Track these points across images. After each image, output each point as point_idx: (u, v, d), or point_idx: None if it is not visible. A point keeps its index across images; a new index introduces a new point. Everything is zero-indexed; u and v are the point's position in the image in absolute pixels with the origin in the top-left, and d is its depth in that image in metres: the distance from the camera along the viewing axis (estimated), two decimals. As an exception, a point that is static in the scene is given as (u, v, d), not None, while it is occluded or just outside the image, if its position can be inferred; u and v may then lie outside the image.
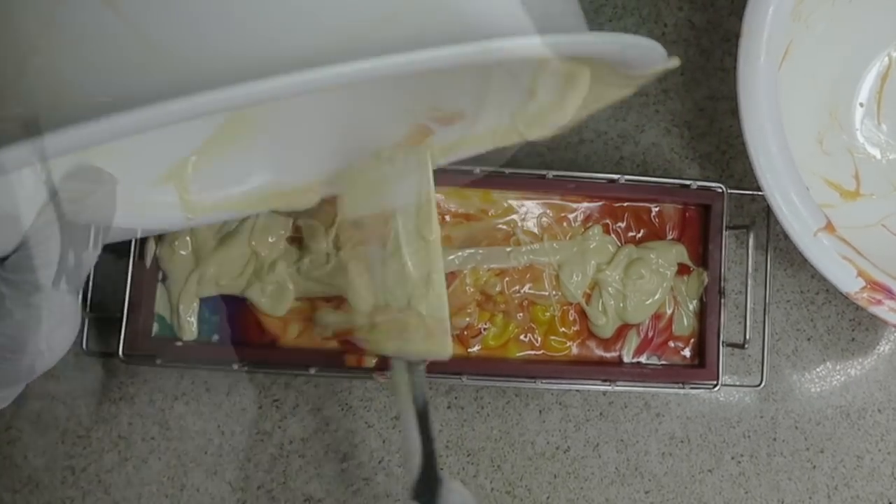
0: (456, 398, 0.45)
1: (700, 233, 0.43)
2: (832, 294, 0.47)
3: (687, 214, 0.43)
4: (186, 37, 0.22)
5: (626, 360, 0.43)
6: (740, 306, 0.45)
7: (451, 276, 0.41)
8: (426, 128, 0.36)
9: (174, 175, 0.34)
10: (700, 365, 0.42)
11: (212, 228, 0.41)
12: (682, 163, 0.47)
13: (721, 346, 0.42)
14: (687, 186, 0.42)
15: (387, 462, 0.45)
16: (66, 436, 0.44)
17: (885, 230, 0.44)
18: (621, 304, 0.42)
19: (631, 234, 0.43)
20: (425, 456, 0.36)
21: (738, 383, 0.45)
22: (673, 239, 0.43)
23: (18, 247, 0.28)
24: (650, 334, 0.43)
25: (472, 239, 0.42)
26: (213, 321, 0.41)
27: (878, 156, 0.47)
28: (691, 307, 0.43)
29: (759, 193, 0.39)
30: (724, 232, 0.42)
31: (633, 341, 0.43)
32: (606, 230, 0.43)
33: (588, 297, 0.42)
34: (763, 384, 0.43)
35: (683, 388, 0.42)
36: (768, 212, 0.41)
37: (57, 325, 0.30)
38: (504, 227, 0.42)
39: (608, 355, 0.43)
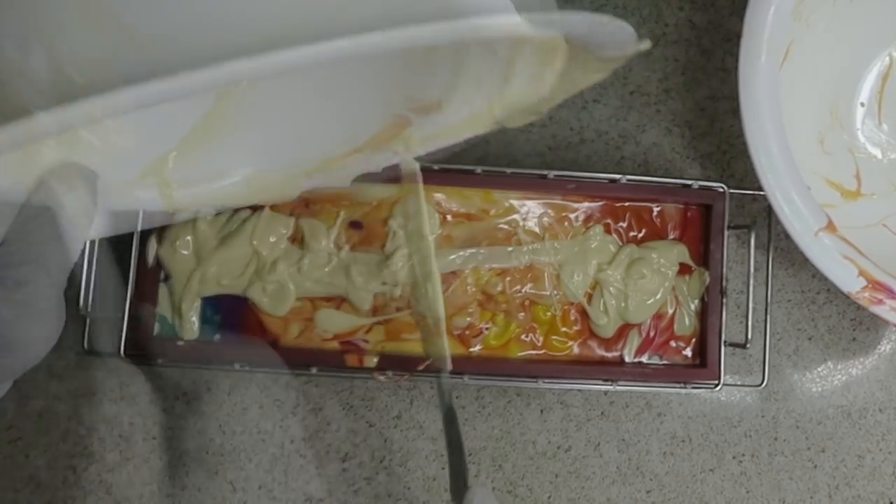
0: (457, 398, 0.45)
1: (701, 232, 0.43)
2: (833, 294, 0.47)
3: (688, 214, 0.43)
4: (157, 21, 0.22)
5: (627, 359, 0.43)
6: (741, 306, 0.45)
7: (452, 276, 0.42)
8: (404, 118, 0.36)
9: (155, 170, 0.34)
10: (701, 365, 0.42)
11: (213, 228, 0.41)
12: (684, 163, 0.47)
13: (722, 346, 0.42)
14: (688, 186, 0.42)
15: (388, 461, 0.45)
16: (67, 435, 0.44)
17: (887, 230, 0.45)
18: (622, 304, 0.42)
19: (632, 233, 0.43)
20: (450, 459, 0.37)
21: (739, 383, 0.45)
22: (674, 239, 0.43)
23: (1, 242, 0.28)
24: (651, 334, 0.43)
25: (473, 239, 0.42)
26: (215, 321, 0.41)
27: (879, 155, 0.47)
28: (693, 307, 0.43)
29: (761, 193, 0.39)
30: (725, 232, 0.42)
31: (634, 341, 0.43)
32: (608, 230, 0.43)
33: (589, 296, 0.42)
34: (764, 384, 0.43)
35: (685, 387, 0.42)
36: (769, 211, 0.41)
37: (41, 321, 0.30)
38: (505, 226, 0.42)
39: (609, 355, 0.43)
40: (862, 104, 0.46)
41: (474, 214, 0.42)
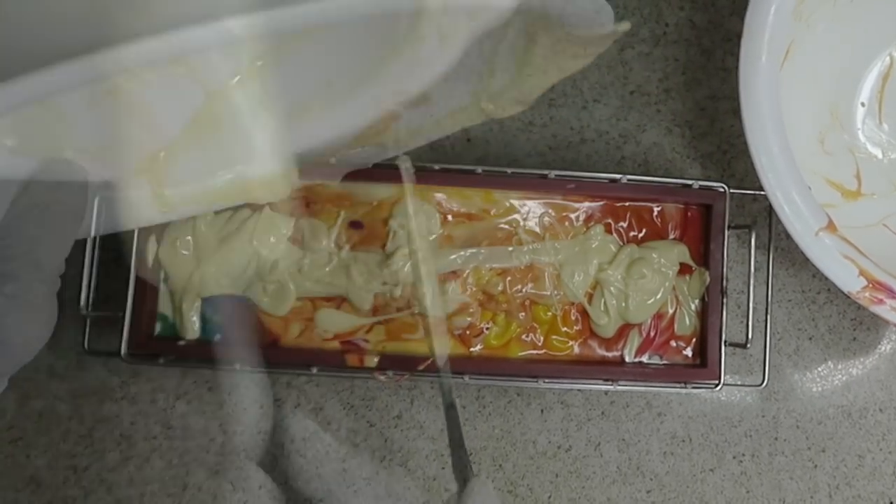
0: (458, 397, 0.45)
1: (702, 232, 0.43)
2: (834, 293, 0.47)
3: (689, 214, 0.43)
4: None
5: (627, 359, 0.43)
6: (742, 306, 0.45)
7: (452, 276, 0.42)
8: (393, 112, 0.36)
9: (147, 169, 0.34)
10: (702, 364, 0.42)
11: (213, 228, 0.41)
12: (684, 162, 0.47)
13: (723, 346, 0.42)
14: (689, 186, 0.42)
15: (388, 461, 0.45)
16: (68, 435, 0.44)
17: (887, 230, 0.45)
18: (623, 304, 0.42)
19: (633, 233, 0.43)
20: (452, 454, 0.38)
21: (739, 383, 0.45)
22: (675, 238, 0.43)
23: None
24: (652, 334, 0.43)
25: (473, 239, 0.42)
26: (215, 321, 0.41)
27: (880, 155, 0.47)
28: (693, 307, 0.43)
29: (761, 193, 0.39)
30: (725, 231, 0.42)
31: (634, 341, 0.43)
32: (608, 230, 0.43)
33: (590, 296, 0.42)
34: (765, 384, 0.43)
35: (685, 387, 0.42)
36: (770, 211, 0.41)
37: (32, 317, 0.30)
38: (506, 226, 0.42)
39: (610, 355, 0.43)
40: (862, 104, 0.46)
41: (475, 214, 0.42)
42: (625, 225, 0.43)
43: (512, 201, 0.42)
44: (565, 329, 0.42)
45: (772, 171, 0.38)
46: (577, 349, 0.43)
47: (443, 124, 0.36)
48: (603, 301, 0.42)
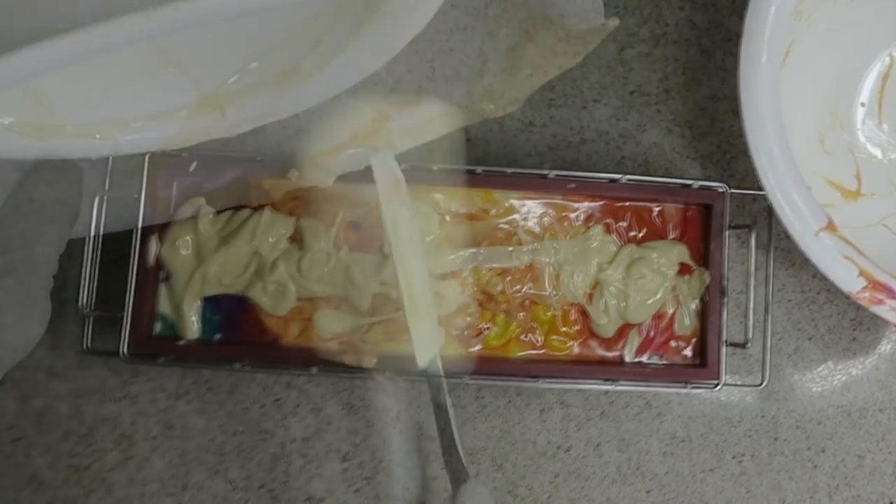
0: (457, 397, 0.45)
1: (701, 232, 0.43)
2: (833, 294, 0.47)
3: (688, 214, 0.43)
4: None
5: (627, 359, 0.43)
6: (742, 306, 0.45)
7: (451, 276, 0.42)
8: (384, 113, 0.36)
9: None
10: (701, 364, 0.42)
11: (214, 228, 0.41)
12: (684, 162, 0.47)
13: (722, 346, 0.42)
14: (688, 186, 0.42)
15: (388, 461, 0.45)
16: (68, 435, 0.44)
17: (887, 230, 0.45)
18: (623, 304, 0.42)
19: (632, 233, 0.43)
20: (444, 457, 0.38)
21: (739, 383, 0.45)
22: (674, 238, 0.43)
23: None
24: (651, 334, 0.43)
25: (473, 239, 0.42)
26: (216, 320, 0.41)
27: (880, 155, 0.47)
28: (693, 307, 0.43)
29: (761, 193, 0.39)
30: (725, 231, 0.42)
31: (634, 341, 0.43)
32: (608, 230, 0.43)
33: (589, 296, 0.42)
34: (764, 384, 0.43)
35: (685, 387, 0.42)
36: (770, 211, 0.41)
37: (28, 312, 0.30)
38: (505, 226, 0.42)
39: (610, 355, 0.43)
40: (862, 104, 0.46)
41: (474, 214, 0.42)
42: (625, 225, 0.43)
43: (512, 201, 0.42)
44: (565, 329, 0.42)
45: (772, 171, 0.38)
46: (576, 349, 0.43)
47: (435, 125, 0.36)
48: (603, 301, 0.42)
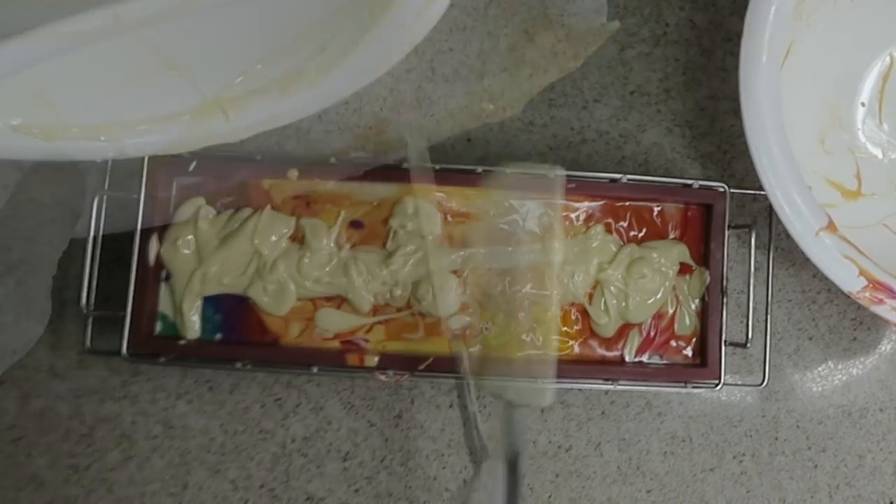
0: (458, 397, 0.45)
1: (702, 232, 0.43)
2: (834, 293, 0.47)
3: (689, 214, 0.43)
4: None
5: (627, 359, 0.43)
6: (742, 306, 0.45)
7: (452, 276, 0.42)
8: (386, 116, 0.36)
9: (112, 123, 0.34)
10: (702, 364, 0.42)
11: (215, 227, 0.41)
12: (684, 162, 0.47)
13: (723, 346, 0.42)
14: (689, 186, 0.42)
15: (389, 461, 0.45)
16: (69, 434, 0.44)
17: (887, 230, 0.45)
18: (623, 304, 0.42)
19: (633, 233, 0.43)
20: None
21: (739, 382, 0.45)
22: (675, 238, 0.43)
23: None
24: (652, 333, 0.43)
25: (473, 238, 0.42)
26: (216, 320, 0.41)
27: (880, 155, 0.47)
28: (693, 306, 0.43)
29: (761, 193, 0.39)
30: (725, 231, 0.42)
31: (634, 340, 0.43)
32: (608, 229, 0.43)
33: (590, 296, 0.42)
34: (765, 383, 0.43)
35: (685, 387, 0.42)
36: (770, 211, 0.41)
37: (28, 311, 0.30)
38: (505, 226, 0.42)
39: (610, 354, 0.43)
40: (863, 104, 0.46)
41: (475, 214, 0.42)
42: (625, 225, 0.43)
43: (511, 201, 0.42)
44: (565, 329, 0.42)
45: (772, 171, 0.38)
46: (577, 349, 0.43)
47: (437, 127, 0.36)
48: (603, 301, 0.42)
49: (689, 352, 0.43)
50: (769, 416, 0.46)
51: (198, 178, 0.41)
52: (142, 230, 0.40)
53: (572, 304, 0.42)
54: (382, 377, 0.41)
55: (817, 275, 0.43)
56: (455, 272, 0.42)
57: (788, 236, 0.39)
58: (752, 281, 0.43)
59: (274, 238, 0.41)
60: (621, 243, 0.43)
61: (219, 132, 0.34)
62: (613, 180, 0.42)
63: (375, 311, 0.41)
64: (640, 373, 0.42)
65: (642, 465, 0.45)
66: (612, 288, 0.42)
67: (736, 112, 0.39)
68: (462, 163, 0.42)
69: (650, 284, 0.42)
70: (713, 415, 0.46)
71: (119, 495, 0.44)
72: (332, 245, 0.41)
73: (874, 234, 0.44)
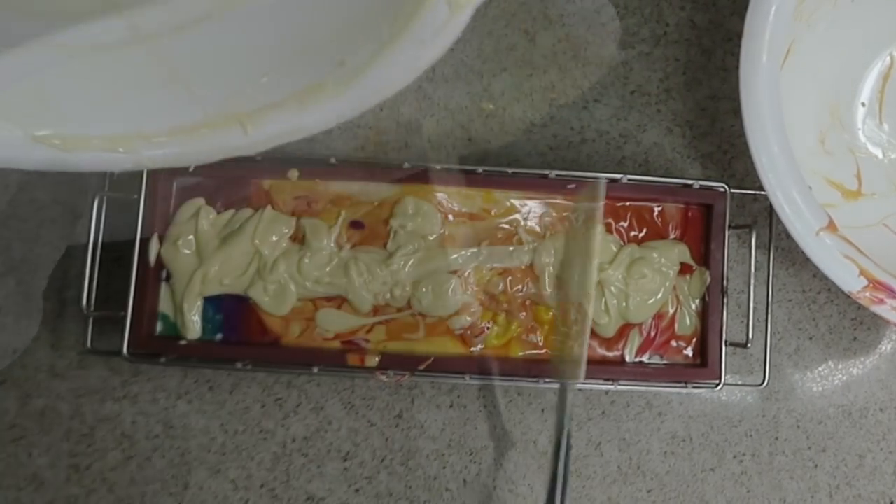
0: (458, 397, 0.45)
1: (702, 232, 0.43)
2: (834, 293, 0.47)
3: (689, 214, 0.43)
4: None
5: (628, 359, 0.43)
6: (742, 305, 0.45)
7: (453, 276, 0.42)
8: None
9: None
10: (702, 364, 0.42)
11: (215, 227, 0.41)
12: (684, 162, 0.47)
13: (723, 346, 0.42)
14: (689, 186, 0.42)
15: (389, 461, 0.45)
16: (70, 434, 0.44)
17: (887, 229, 0.45)
18: (623, 304, 0.42)
19: (633, 233, 0.43)
20: (549, 486, 0.38)
21: (740, 382, 0.45)
22: (675, 238, 0.43)
23: None
24: (652, 334, 0.43)
25: (474, 238, 0.42)
26: (217, 320, 0.41)
27: (880, 155, 0.47)
28: (693, 306, 0.43)
29: (761, 193, 0.39)
30: (726, 231, 0.42)
31: (635, 341, 0.43)
32: (609, 229, 0.43)
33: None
34: (765, 383, 0.43)
35: (686, 387, 0.42)
36: (770, 211, 0.41)
37: (25, 313, 0.30)
38: (507, 226, 0.42)
39: (610, 354, 0.43)
40: (863, 104, 0.46)
41: (476, 214, 0.42)
42: (625, 225, 0.43)
43: (512, 201, 0.42)
44: (563, 329, 0.42)
45: (772, 171, 0.38)
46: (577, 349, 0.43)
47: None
48: (603, 301, 0.42)
49: (689, 352, 0.43)
50: (769, 416, 0.46)
51: (198, 179, 0.41)
52: (142, 230, 0.40)
53: (572, 304, 0.42)
54: (383, 377, 0.41)
55: (817, 275, 0.43)
56: (455, 272, 0.42)
57: (789, 236, 0.39)
58: (752, 281, 0.43)
59: (274, 238, 0.41)
60: (622, 243, 0.43)
61: (236, 145, 0.35)
62: (614, 180, 0.42)
63: (376, 311, 0.41)
64: (641, 373, 0.42)
65: (642, 465, 0.45)
66: (612, 288, 0.42)
67: (736, 112, 0.39)
68: (463, 162, 0.42)
69: (650, 284, 0.42)
70: (713, 415, 0.46)
71: (119, 495, 0.44)
72: (332, 245, 0.41)
73: (874, 233, 0.44)
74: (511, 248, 0.42)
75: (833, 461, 0.46)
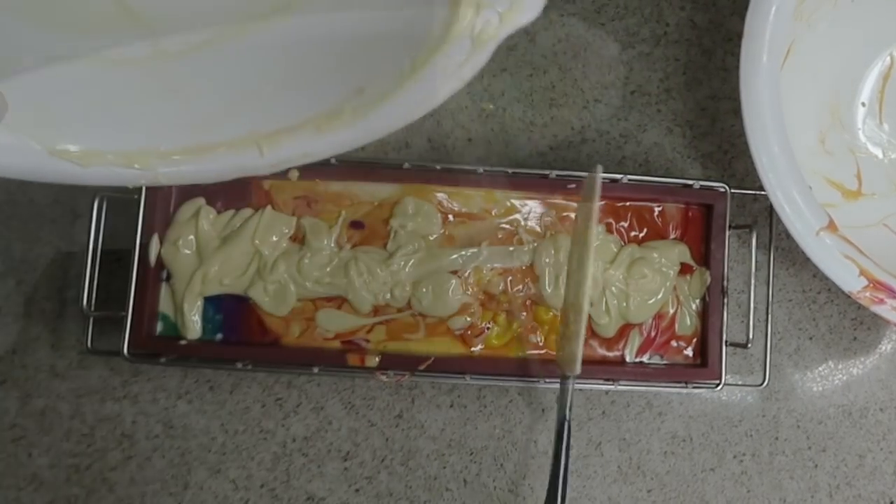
0: (458, 397, 0.45)
1: (702, 232, 0.43)
2: (834, 293, 0.47)
3: (689, 214, 0.43)
4: None
5: (628, 359, 0.43)
6: (742, 306, 0.45)
7: (453, 276, 0.42)
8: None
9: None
10: (702, 364, 0.42)
11: (216, 227, 0.41)
12: (684, 162, 0.47)
13: (723, 346, 0.42)
14: (689, 186, 0.42)
15: (389, 460, 0.45)
16: (70, 434, 0.44)
17: (887, 229, 0.45)
18: (624, 304, 0.42)
19: (633, 233, 0.43)
20: (551, 473, 0.38)
21: (740, 382, 0.45)
22: (675, 238, 0.43)
23: None
24: (653, 334, 0.43)
25: (475, 238, 0.42)
26: (217, 320, 0.41)
27: (880, 155, 0.47)
28: (694, 307, 0.43)
29: (762, 193, 0.39)
30: (726, 231, 0.42)
31: (635, 341, 0.43)
32: (609, 229, 0.43)
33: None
34: (765, 383, 0.43)
35: (686, 387, 0.42)
36: (770, 211, 0.41)
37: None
38: (507, 226, 0.42)
39: (611, 354, 0.43)
40: (863, 104, 0.46)
41: (476, 214, 0.42)
42: (626, 225, 0.43)
43: (513, 201, 0.42)
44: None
45: (772, 171, 0.38)
46: (577, 349, 0.43)
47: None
48: (604, 301, 0.42)
49: (689, 352, 0.43)
50: (769, 415, 0.46)
51: (198, 178, 0.41)
52: (143, 230, 0.40)
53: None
54: (383, 377, 0.41)
55: (818, 275, 0.43)
56: (455, 272, 0.42)
57: (789, 236, 0.39)
58: (752, 281, 0.43)
59: (274, 238, 0.41)
60: (622, 243, 0.43)
61: (251, 166, 0.35)
62: (614, 180, 0.42)
63: (376, 311, 0.41)
64: (641, 373, 0.42)
65: (643, 465, 0.45)
66: (612, 288, 0.42)
67: (736, 112, 0.39)
68: (464, 163, 0.42)
69: (651, 284, 0.42)
70: (714, 415, 0.46)
71: (120, 495, 0.44)
72: (332, 245, 0.41)
73: (874, 233, 0.44)
74: (511, 248, 0.42)
75: (833, 461, 0.46)
